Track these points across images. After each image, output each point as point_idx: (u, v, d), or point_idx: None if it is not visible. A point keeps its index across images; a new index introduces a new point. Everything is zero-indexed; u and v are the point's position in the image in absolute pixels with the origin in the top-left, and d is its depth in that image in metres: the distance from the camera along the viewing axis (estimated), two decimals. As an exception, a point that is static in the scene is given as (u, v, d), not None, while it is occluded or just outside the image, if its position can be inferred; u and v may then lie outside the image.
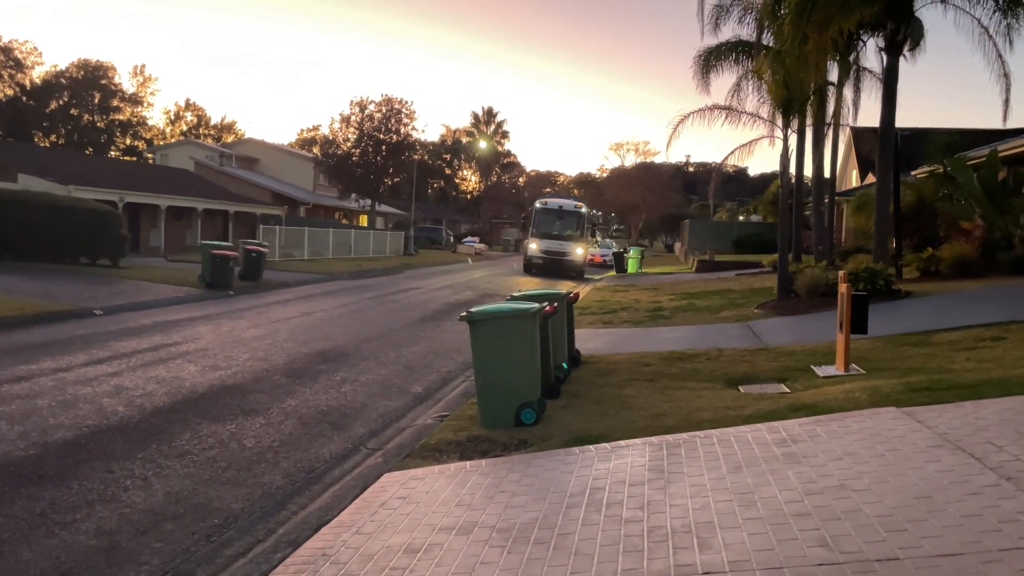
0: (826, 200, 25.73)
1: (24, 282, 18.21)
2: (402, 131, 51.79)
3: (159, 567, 4.78)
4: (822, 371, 9.50)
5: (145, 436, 7.30)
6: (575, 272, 33.58)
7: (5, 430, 7.16)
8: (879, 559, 3.67)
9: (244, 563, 4.81)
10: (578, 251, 34.44)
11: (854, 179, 39.38)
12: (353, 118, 51.32)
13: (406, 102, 52.20)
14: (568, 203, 37.97)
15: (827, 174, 26.35)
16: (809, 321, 14.33)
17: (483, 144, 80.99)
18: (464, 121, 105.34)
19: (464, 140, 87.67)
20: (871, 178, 26.79)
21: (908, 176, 24.06)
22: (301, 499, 6.00)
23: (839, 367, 9.41)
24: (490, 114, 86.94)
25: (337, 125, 52.52)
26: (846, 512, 4.33)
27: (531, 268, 34.44)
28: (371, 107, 51.27)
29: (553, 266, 33.40)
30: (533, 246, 34.86)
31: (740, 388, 8.98)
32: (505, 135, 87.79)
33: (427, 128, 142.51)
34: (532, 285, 25.90)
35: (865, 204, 23.92)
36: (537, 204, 37.19)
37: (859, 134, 35.71)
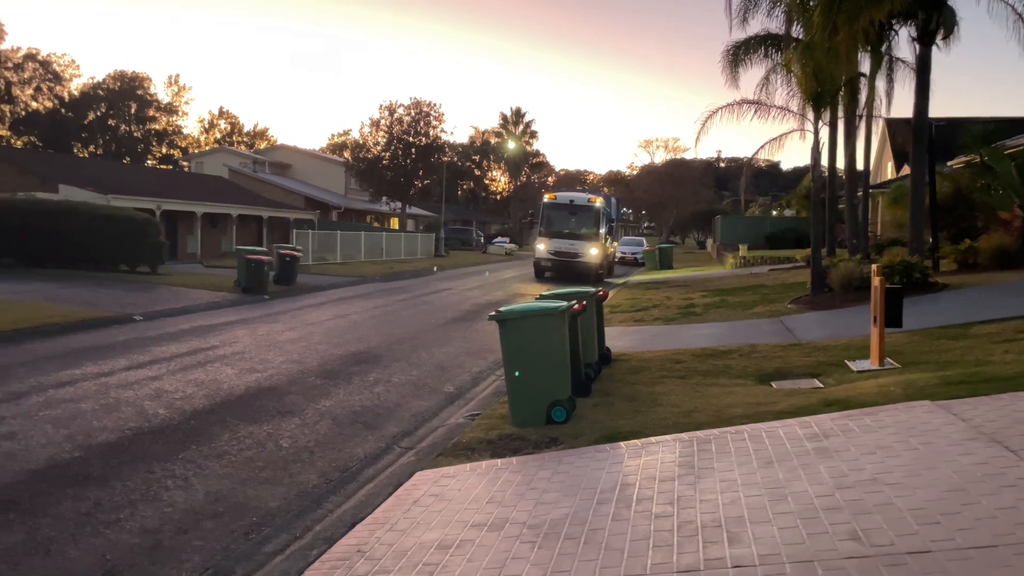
0: (859, 193, 25.37)
1: (66, 290, 18.69)
2: (431, 134, 52.07)
3: (200, 564, 4.91)
4: (856, 366, 9.42)
5: (185, 437, 7.48)
6: (591, 275, 28.33)
7: (51, 433, 7.39)
8: (910, 552, 3.66)
9: (281, 560, 4.93)
10: (593, 251, 29.44)
11: (889, 171, 38.76)
12: (383, 122, 51.72)
13: (434, 104, 52.49)
14: (580, 196, 32.45)
15: (861, 166, 25.98)
16: (843, 315, 14.16)
17: (512, 144, 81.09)
18: (492, 122, 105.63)
19: (493, 141, 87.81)
20: (907, 170, 26.35)
21: (944, 167, 23.63)
22: (336, 497, 6.12)
23: (873, 361, 9.31)
24: (518, 114, 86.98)
25: (367, 129, 53.00)
26: (878, 506, 4.31)
27: (541, 272, 30.36)
28: (400, 110, 51.64)
29: (565, 269, 28.93)
30: (541, 247, 30.41)
31: (772, 384, 8.94)
32: (534, 135, 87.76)
33: (456, 130, 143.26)
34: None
35: (901, 196, 23.55)
36: (545, 199, 32.23)
37: (894, 125, 35.10)
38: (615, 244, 40.57)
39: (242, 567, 4.88)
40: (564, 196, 32.45)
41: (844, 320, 13.54)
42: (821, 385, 8.63)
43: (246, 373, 10.59)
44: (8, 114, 66.14)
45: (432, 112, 52.10)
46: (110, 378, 9.96)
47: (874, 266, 10.44)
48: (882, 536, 3.89)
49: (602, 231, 30.59)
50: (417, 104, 51.95)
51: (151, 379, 9.99)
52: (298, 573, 4.62)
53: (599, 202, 31.29)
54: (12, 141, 64.30)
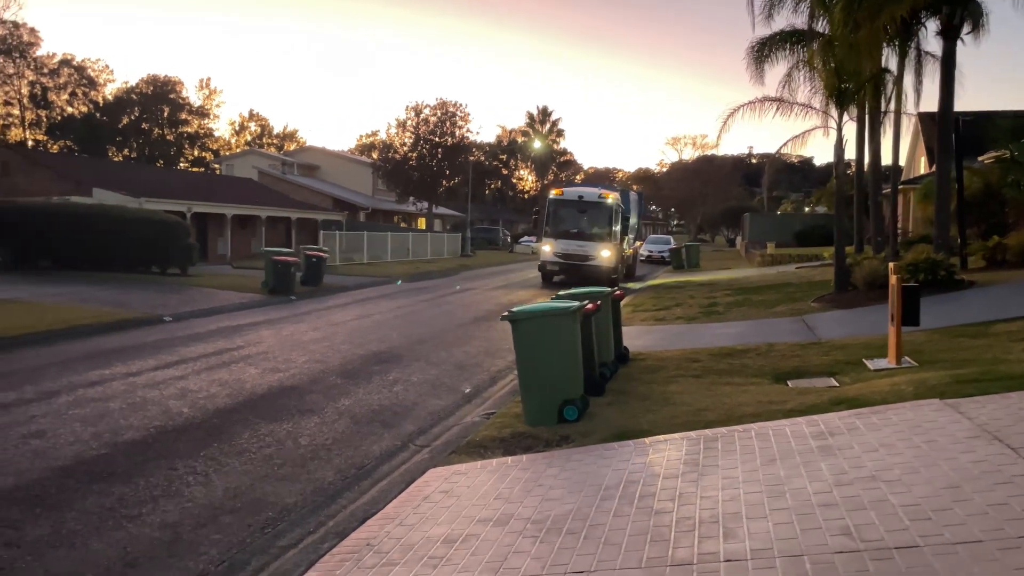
0: (887, 190, 25.10)
1: (99, 291, 19.17)
2: (457, 134, 52.34)
3: (217, 557, 5.10)
4: (873, 364, 9.40)
5: (207, 436, 7.71)
6: (603, 280, 23.71)
7: (79, 431, 7.66)
8: (898, 547, 3.72)
9: (294, 553, 5.10)
10: (604, 253, 25.78)
11: (923, 166, 38.21)
12: (409, 123, 52.11)
13: (460, 105, 52.75)
14: (591, 191, 28.26)
15: (889, 162, 25.70)
16: (866, 314, 14.08)
17: (538, 144, 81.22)
18: (519, 121, 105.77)
19: (520, 140, 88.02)
20: (936, 165, 25.99)
21: (974, 162, 23.31)
22: (351, 494, 6.29)
23: (891, 360, 9.29)
24: (545, 113, 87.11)
25: (394, 130, 53.44)
26: (873, 502, 4.37)
27: (548, 277, 26.88)
28: (426, 111, 51.99)
29: (573, 274, 25.37)
30: (547, 248, 26.73)
31: (788, 383, 8.95)
32: (560, 133, 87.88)
33: (482, 129, 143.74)
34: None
35: (931, 192, 23.20)
36: (551, 194, 28.54)
37: (925, 120, 34.63)
38: (637, 244, 36.12)
39: (257, 560, 5.06)
40: (572, 191, 28.77)
41: (866, 318, 13.46)
42: (837, 384, 8.63)
43: (269, 373, 10.84)
44: (44, 119, 67.71)
45: (458, 112, 52.38)
46: (138, 378, 10.26)
47: (891, 264, 10.39)
48: (873, 532, 3.95)
49: (616, 230, 26.81)
50: (443, 104, 52.26)
51: (177, 379, 10.27)
52: (309, 565, 4.79)
53: (612, 198, 27.30)
54: (48, 146, 65.80)
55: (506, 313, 7.86)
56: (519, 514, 5.19)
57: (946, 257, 16.06)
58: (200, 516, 5.74)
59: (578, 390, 7.89)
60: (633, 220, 31.40)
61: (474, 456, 6.91)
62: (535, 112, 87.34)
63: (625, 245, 28.92)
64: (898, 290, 9.24)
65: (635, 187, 62.29)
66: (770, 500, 4.70)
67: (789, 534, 4.12)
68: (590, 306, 8.56)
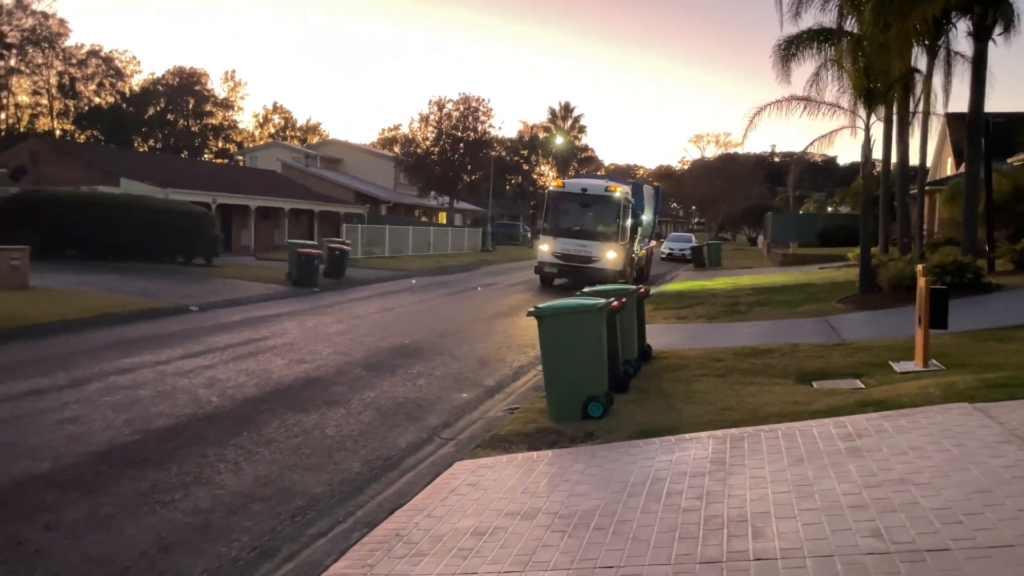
0: (913, 191, 24.86)
1: (126, 281, 19.43)
2: (479, 129, 52.44)
3: (248, 544, 5.19)
4: (900, 367, 9.35)
5: (236, 424, 7.82)
6: (605, 281, 20.14)
7: (112, 418, 7.80)
8: (929, 549, 3.73)
9: (324, 542, 5.18)
10: (610, 254, 23.14)
11: (949, 167, 37.79)
12: (432, 117, 52.28)
13: (483, 100, 52.87)
14: (596, 184, 25.41)
15: (917, 163, 25.43)
16: (891, 316, 13.98)
17: (560, 139, 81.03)
18: (541, 117, 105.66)
19: (541, 136, 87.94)
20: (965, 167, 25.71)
21: (1003, 164, 23.03)
22: (378, 485, 6.37)
23: (917, 363, 9.24)
24: (567, 109, 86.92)
25: (416, 124, 53.65)
26: (903, 505, 4.37)
27: (547, 280, 24.48)
28: (449, 106, 52.13)
29: (574, 276, 23.07)
30: (545, 248, 24.11)
31: (813, 384, 8.93)
32: (582, 130, 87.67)
33: (504, 125, 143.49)
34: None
35: (958, 194, 23.00)
36: (551, 186, 25.65)
37: (953, 121, 34.23)
38: (653, 244, 32.94)
39: (288, 548, 5.15)
40: (575, 183, 25.86)
41: (891, 320, 13.37)
42: (862, 386, 8.59)
43: (295, 364, 10.95)
44: (72, 109, 68.55)
45: (481, 107, 52.50)
46: (167, 366, 10.41)
47: (920, 266, 10.32)
48: (904, 534, 3.96)
49: (625, 228, 24.00)
50: (466, 99, 52.38)
51: (205, 368, 10.42)
52: (340, 554, 4.86)
53: (620, 192, 24.22)
54: (76, 135, 66.59)
55: (532, 309, 7.91)
56: (546, 508, 5.24)
57: (973, 260, 15.91)
58: (231, 503, 5.84)
59: (603, 387, 7.92)
60: (648, 217, 28.39)
61: (499, 450, 6.96)
62: (557, 108, 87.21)
63: (636, 246, 25.81)
64: (926, 292, 9.18)
65: (655, 183, 60.27)
66: (799, 500, 4.71)
67: (819, 534, 4.14)
68: (616, 303, 8.58)
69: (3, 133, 60.40)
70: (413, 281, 27.70)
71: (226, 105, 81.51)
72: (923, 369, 9.02)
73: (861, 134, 17.41)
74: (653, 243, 33.31)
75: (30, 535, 5.10)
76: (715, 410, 7.60)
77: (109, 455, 6.71)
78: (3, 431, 7.23)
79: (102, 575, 4.65)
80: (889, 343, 10.98)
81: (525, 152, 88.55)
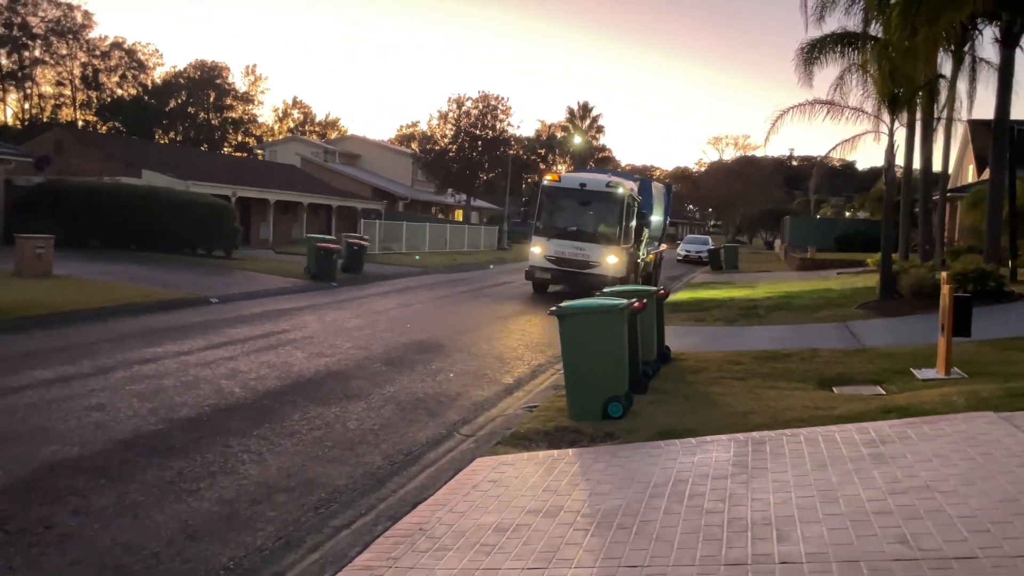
0: (935, 198, 24.67)
1: (147, 271, 19.61)
2: (498, 127, 52.47)
3: (273, 534, 5.25)
4: (921, 374, 9.31)
5: (258, 416, 7.90)
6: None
7: (137, 407, 7.90)
8: (957, 557, 3.73)
9: (348, 534, 5.23)
10: (610, 259, 20.40)
11: (970, 175, 37.45)
12: (451, 114, 52.38)
13: (502, 98, 52.90)
14: (596, 179, 22.17)
15: (939, 169, 25.27)
16: (912, 323, 13.91)
17: (578, 139, 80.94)
18: (559, 116, 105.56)
19: (559, 135, 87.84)
20: (988, 174, 25.49)
21: (1027, 172, 22.78)
22: (399, 478, 6.42)
23: (939, 370, 9.20)
24: (585, 109, 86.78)
25: (435, 122, 53.76)
26: (929, 512, 4.37)
27: (540, 286, 21.91)
28: (468, 104, 52.18)
29: (569, 283, 20.56)
30: (537, 250, 21.26)
31: (834, 389, 8.91)
32: (600, 129, 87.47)
33: (522, 124, 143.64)
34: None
35: (979, 201, 22.84)
36: (545, 180, 22.73)
37: (975, 127, 33.93)
38: (663, 247, 29.42)
39: (312, 539, 5.20)
40: (572, 178, 22.95)
41: (912, 327, 13.30)
42: (883, 392, 8.57)
43: (315, 357, 11.03)
44: (95, 100, 69.13)
45: (500, 106, 52.54)
46: (189, 357, 10.51)
47: (943, 273, 10.27)
48: (930, 541, 3.96)
49: (629, 228, 21.19)
50: (485, 97, 52.43)
51: (227, 359, 10.51)
52: (364, 547, 4.91)
53: (624, 188, 21.16)
54: (98, 126, 67.17)
55: (554, 308, 7.94)
56: (568, 507, 5.26)
57: (996, 268, 15.78)
58: (255, 493, 5.90)
59: (623, 387, 7.93)
60: (657, 218, 25.65)
61: (519, 448, 7.00)
62: (575, 107, 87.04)
63: (642, 249, 23.02)
64: (950, 300, 9.13)
65: (665, 179, 58.46)
66: (823, 505, 4.71)
67: (844, 539, 4.14)
68: (637, 304, 8.59)
69: (27, 123, 61.01)
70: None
71: (246, 99, 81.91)
72: (945, 377, 8.97)
73: (884, 139, 17.32)
74: (664, 247, 29.79)
75: (60, 519, 5.19)
76: (736, 413, 7.60)
77: (135, 443, 6.80)
78: (33, 416, 7.34)
79: (132, 560, 4.72)
80: (911, 350, 10.93)
81: (542, 151, 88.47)
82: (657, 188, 26.97)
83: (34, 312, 12.80)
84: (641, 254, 22.84)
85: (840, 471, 5.33)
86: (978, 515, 4.23)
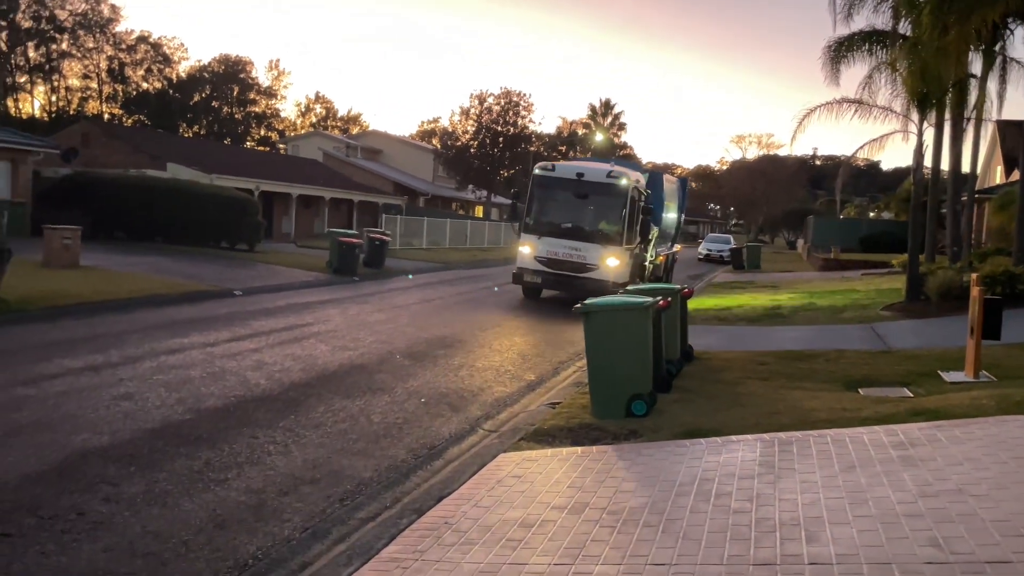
0: (963, 199, 24.35)
1: (172, 262, 19.81)
2: (519, 123, 52.39)
3: (300, 525, 5.29)
4: (949, 377, 9.20)
5: (284, 407, 7.96)
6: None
7: (165, 397, 7.99)
8: (990, 561, 3.69)
9: (373, 526, 5.26)
10: (610, 261, 17.70)
11: (998, 176, 36.93)
12: (472, 111, 52.37)
13: (524, 95, 52.78)
14: (596, 168, 19.13)
15: (965, 170, 24.93)
16: (939, 325, 13.75)
17: (599, 136, 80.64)
18: (581, 113, 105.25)
19: (580, 132, 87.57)
20: (1016, 175, 25.11)
21: (1058, 174, 22.40)
22: (423, 472, 6.44)
23: (968, 373, 9.09)
24: (607, 106, 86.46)
25: (456, 118, 53.77)
26: (961, 515, 4.32)
27: (531, 292, 19.11)
28: (490, 100, 52.16)
29: (564, 288, 18.08)
30: (526, 250, 18.39)
31: (860, 391, 8.82)
32: (622, 127, 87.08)
33: (544, 120, 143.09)
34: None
35: (1008, 203, 22.51)
36: (536, 169, 19.43)
37: (1004, 128, 33.46)
38: (676, 248, 26.77)
39: (338, 530, 5.24)
40: (567, 167, 19.79)
41: (939, 329, 13.15)
42: (911, 394, 8.48)
43: (339, 350, 11.10)
44: (121, 93, 69.85)
45: (521, 102, 52.45)
46: (215, 348, 10.61)
47: (973, 275, 10.14)
48: (963, 544, 3.92)
49: (634, 226, 18.32)
50: (507, 94, 52.37)
51: (252, 351, 10.60)
52: (390, 539, 4.94)
53: (628, 180, 18.23)
54: (123, 119, 67.89)
55: (579, 305, 7.93)
56: (594, 504, 5.26)
57: (1024, 271, 15.55)
58: (282, 484, 5.95)
59: (647, 385, 7.91)
60: (671, 215, 23.38)
61: (543, 444, 7.00)
62: (597, 104, 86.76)
63: (650, 251, 20.24)
64: (980, 302, 9.02)
65: (693, 184, 56.61)
66: (852, 507, 4.68)
67: (874, 541, 4.11)
68: (662, 302, 8.56)
69: (55, 115, 61.77)
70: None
71: (269, 94, 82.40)
72: (974, 380, 8.87)
73: (912, 139, 17.15)
74: (678, 247, 27.19)
75: (92, 506, 5.26)
76: (761, 413, 7.55)
77: (163, 432, 6.87)
78: (64, 405, 7.44)
79: (162, 548, 4.77)
80: (938, 352, 10.81)
81: (564, 148, 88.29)
82: (670, 182, 24.28)
83: (62, 302, 12.98)
84: (649, 256, 20.24)
85: (869, 473, 5.28)
86: (1011, 519, 4.18)
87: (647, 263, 20.06)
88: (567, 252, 17.87)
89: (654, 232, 20.06)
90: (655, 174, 22.71)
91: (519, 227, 18.82)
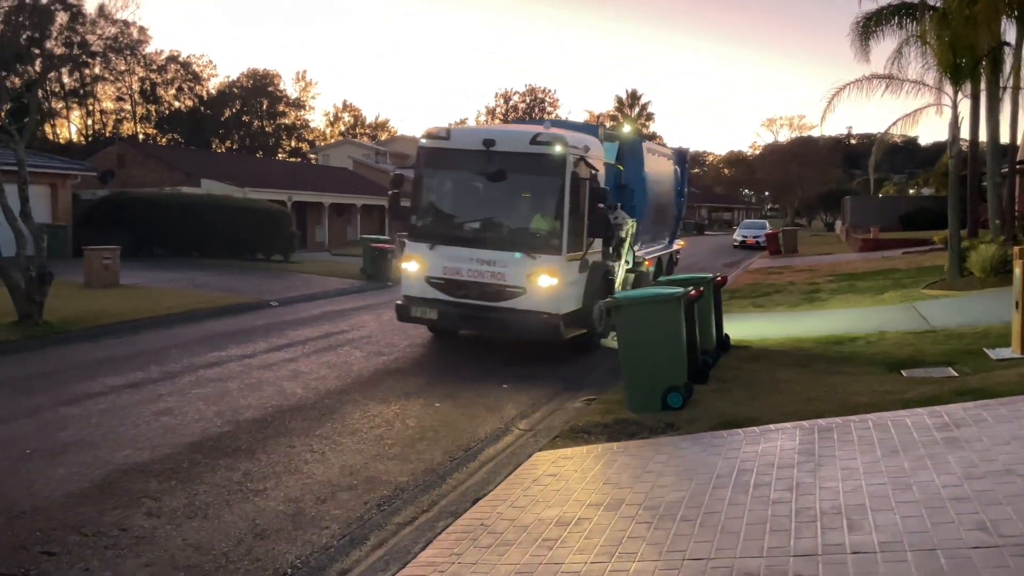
0: (1004, 171, 23.68)
1: (210, 277, 20.13)
2: (545, 119, 52.41)
3: (338, 532, 5.32)
4: (995, 354, 8.96)
5: (320, 415, 8.03)
6: (546, 339, 11.25)
7: (203, 409, 8.10)
8: (1041, 545, 3.56)
9: (410, 530, 5.27)
10: (543, 280, 10.77)
11: (1039, 145, 35.86)
12: (498, 109, 52.51)
13: (549, 91, 52.92)
14: (513, 135, 11.74)
15: (1004, 141, 24.21)
16: (983, 301, 13.39)
17: (627, 128, 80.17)
18: (608, 106, 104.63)
19: (608, 124, 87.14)
20: (1059, 143, 24.34)
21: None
22: (459, 474, 6.44)
23: (1015, 349, 8.84)
24: (634, 97, 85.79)
25: (483, 117, 53.91)
26: (1008, 497, 4.18)
27: (442, 327, 12.08)
28: (515, 97, 52.27)
29: (475, 327, 11.90)
30: (412, 267, 11.44)
31: (902, 372, 8.63)
32: (650, 117, 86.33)
33: (571, 114, 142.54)
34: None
35: (1052, 172, 21.86)
36: (423, 141, 11.73)
37: (1045, 95, 32.43)
38: (677, 245, 19.34)
39: (376, 536, 5.26)
40: (470, 133, 13.67)
41: (984, 306, 12.80)
42: (956, 374, 8.26)
43: (374, 356, 11.16)
44: (154, 113, 71.26)
45: (547, 98, 52.51)
46: (252, 359, 10.74)
47: (1016, 248, 9.84)
48: (1012, 527, 3.79)
49: (579, 221, 11.27)
50: (532, 91, 52.62)
51: (288, 361, 10.71)
52: (427, 543, 4.94)
53: (562, 147, 10.90)
54: (157, 138, 69.23)
55: (609, 299, 7.86)
56: (630, 500, 5.20)
57: (1072, 241, 15.07)
58: (319, 492, 5.99)
59: (682, 377, 7.82)
60: (664, 200, 16.86)
61: (578, 441, 6.95)
62: (624, 96, 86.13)
63: (624, 255, 13.35)
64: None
65: (725, 171, 55.14)
66: (895, 492, 4.56)
67: (919, 527, 3.99)
68: (693, 292, 8.46)
69: (91, 138, 63.19)
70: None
71: (298, 105, 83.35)
72: (1021, 356, 8.62)
73: (947, 112, 16.73)
74: (679, 243, 19.57)
75: (134, 521, 5.34)
76: (800, 400, 7.42)
77: (203, 445, 6.97)
78: (106, 422, 7.59)
79: (203, 560, 4.83)
80: (983, 329, 10.52)
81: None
82: (658, 153, 16.98)
83: (103, 321, 13.25)
84: (623, 263, 13.33)
85: (912, 457, 5.15)
86: (1063, 500, 4.03)
87: (617, 274, 13.00)
88: (475, 269, 11.08)
89: (630, 227, 13.37)
90: (635, 141, 15.37)
91: (400, 233, 12.26)
